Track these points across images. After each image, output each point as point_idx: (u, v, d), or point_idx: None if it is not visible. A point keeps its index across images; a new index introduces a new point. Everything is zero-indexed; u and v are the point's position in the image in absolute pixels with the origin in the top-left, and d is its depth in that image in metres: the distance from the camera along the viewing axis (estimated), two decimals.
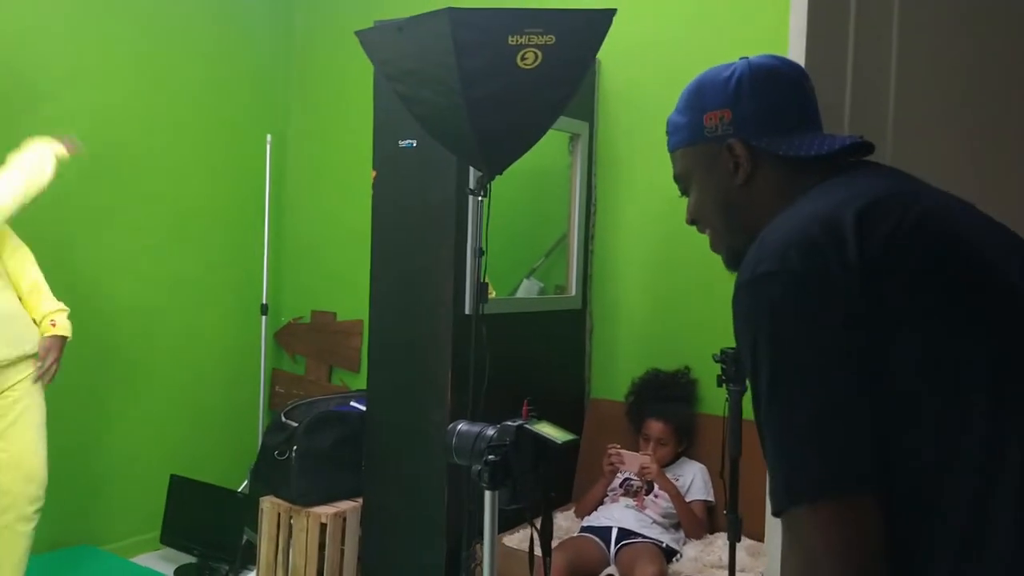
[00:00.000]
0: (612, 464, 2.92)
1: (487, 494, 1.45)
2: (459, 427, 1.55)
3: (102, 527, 3.63)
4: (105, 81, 3.56)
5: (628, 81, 3.34)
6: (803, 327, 0.89)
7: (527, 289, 3.45)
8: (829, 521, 0.86)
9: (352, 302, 4.01)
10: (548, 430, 1.49)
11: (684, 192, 1.19)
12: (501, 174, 2.44)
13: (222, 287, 4.06)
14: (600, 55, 3.38)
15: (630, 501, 2.85)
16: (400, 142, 2.92)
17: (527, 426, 1.49)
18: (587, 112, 3.34)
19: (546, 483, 1.48)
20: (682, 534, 2.83)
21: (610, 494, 2.94)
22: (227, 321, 4.09)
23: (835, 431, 0.87)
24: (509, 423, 1.49)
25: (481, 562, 1.59)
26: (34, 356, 2.79)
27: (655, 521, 2.79)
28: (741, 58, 1.13)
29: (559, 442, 1.46)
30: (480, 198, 2.44)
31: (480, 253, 2.48)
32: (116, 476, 3.68)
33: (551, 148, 3.32)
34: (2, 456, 2.69)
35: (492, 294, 3.09)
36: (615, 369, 3.37)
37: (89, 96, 3.51)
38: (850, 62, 1.39)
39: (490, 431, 1.50)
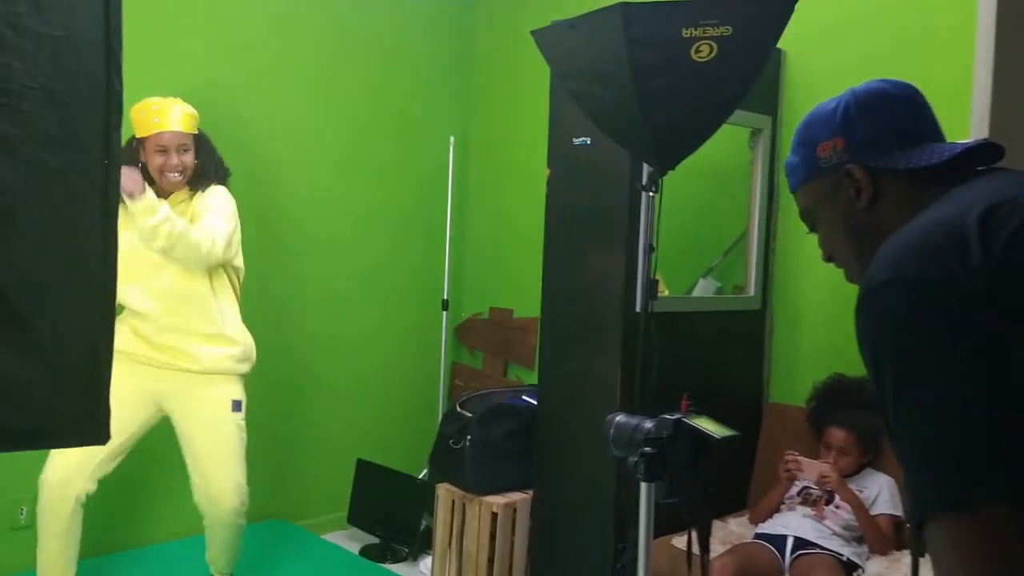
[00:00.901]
0: (789, 471, 2.81)
1: (643, 486, 1.44)
2: (617, 418, 1.55)
3: (296, 505, 3.90)
4: (288, 87, 3.81)
5: (814, 72, 3.20)
6: (930, 337, 0.87)
7: (703, 288, 3.38)
8: (961, 534, 0.83)
9: (528, 300, 4.08)
10: (707, 425, 1.46)
11: (812, 229, 1.20)
12: (673, 169, 2.41)
13: (406, 283, 4.26)
14: (783, 45, 3.27)
15: (808, 510, 2.73)
16: (574, 140, 2.95)
17: (685, 420, 1.47)
18: (770, 106, 3.23)
19: (705, 479, 1.45)
20: (865, 549, 2.67)
21: (787, 502, 2.83)
22: (411, 315, 4.28)
23: (961, 442, 0.84)
24: (667, 416, 1.48)
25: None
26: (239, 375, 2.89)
27: (835, 533, 2.65)
28: (847, 89, 1.14)
29: (717, 437, 1.43)
30: (651, 194, 2.42)
31: (651, 250, 2.45)
32: (309, 458, 3.95)
33: (731, 143, 3.24)
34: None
35: (665, 292, 3.05)
36: (796, 373, 3.23)
37: (275, 101, 3.77)
38: None
39: (648, 424, 1.49)
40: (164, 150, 2.73)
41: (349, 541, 3.81)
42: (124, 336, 2.72)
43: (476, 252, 4.49)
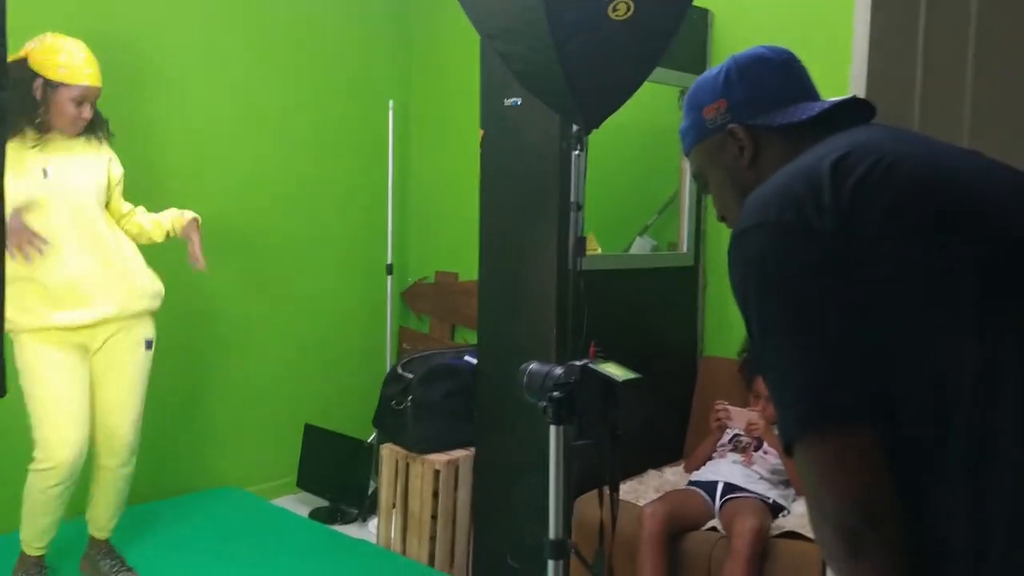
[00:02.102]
0: (720, 420, 2.91)
1: (552, 429, 1.50)
2: (530, 367, 1.61)
3: (245, 471, 3.93)
4: (231, 52, 3.79)
5: (742, 33, 3.25)
6: (785, 272, 0.93)
7: (640, 246, 3.45)
8: (820, 455, 0.88)
9: (473, 263, 4.11)
10: (612, 369, 1.53)
11: (704, 189, 1.27)
12: (598, 128, 2.45)
13: (350, 249, 4.28)
14: (712, 6, 3.33)
15: (738, 457, 2.83)
16: (506, 100, 2.97)
17: (591, 365, 1.53)
18: (699, 66, 3.27)
19: (613, 421, 1.51)
20: (792, 491, 2.78)
21: (719, 450, 2.93)
22: (356, 281, 4.31)
23: (820, 368, 0.90)
24: (575, 363, 1.54)
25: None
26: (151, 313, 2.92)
27: (762, 477, 2.75)
28: (729, 56, 1.22)
29: (620, 380, 1.49)
30: (577, 152, 2.46)
31: (578, 208, 2.50)
32: (257, 425, 3.98)
33: (662, 103, 3.29)
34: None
35: (597, 250, 3.11)
36: (729, 326, 3.32)
37: (215, 66, 3.75)
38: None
39: (558, 370, 1.54)
40: (81, 102, 2.70)
41: (299, 505, 3.86)
42: (41, 316, 2.69)
43: (421, 216, 4.51)
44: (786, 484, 2.79)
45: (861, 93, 1.39)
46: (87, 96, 2.70)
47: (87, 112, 2.72)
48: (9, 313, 2.54)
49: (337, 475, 3.83)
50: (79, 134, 2.78)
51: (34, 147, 2.66)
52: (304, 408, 4.07)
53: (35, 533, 2.76)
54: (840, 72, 1.69)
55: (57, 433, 2.67)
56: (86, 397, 2.77)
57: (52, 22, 2.78)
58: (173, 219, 2.99)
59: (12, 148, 2.59)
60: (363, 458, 3.75)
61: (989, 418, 0.86)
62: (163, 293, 2.93)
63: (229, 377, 3.88)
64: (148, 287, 2.89)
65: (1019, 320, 0.88)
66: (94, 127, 2.82)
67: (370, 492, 3.69)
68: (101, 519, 2.92)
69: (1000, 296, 0.89)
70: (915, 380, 0.88)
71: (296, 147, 4.05)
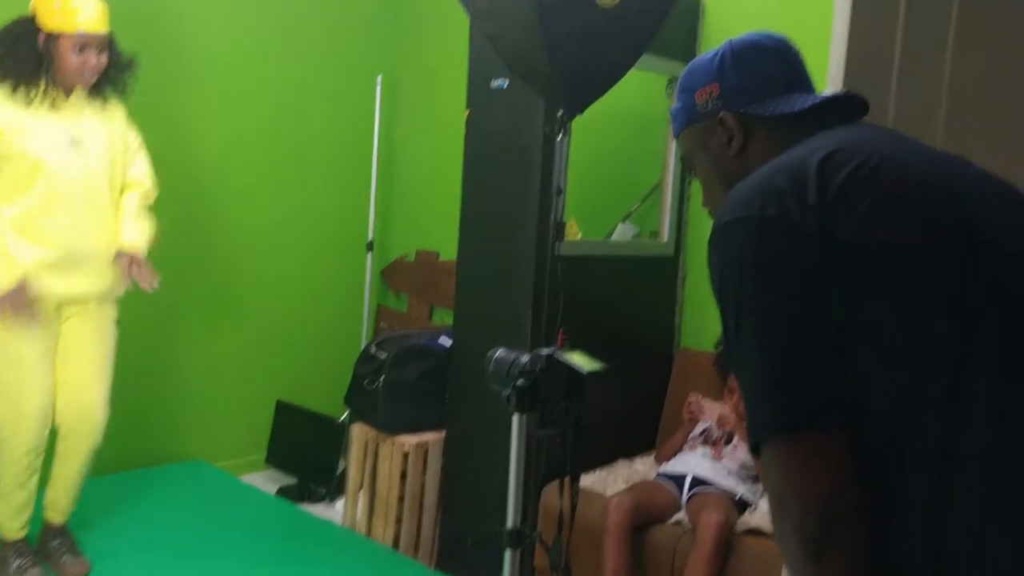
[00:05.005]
0: (692, 413, 2.90)
1: (514, 417, 1.48)
2: (497, 354, 1.58)
3: (214, 446, 3.89)
4: (215, 21, 3.72)
5: (732, 21, 3.21)
6: (764, 270, 0.91)
7: (622, 233, 3.43)
8: (787, 458, 0.87)
9: (455, 242, 4.09)
10: (577, 359, 1.50)
11: (691, 172, 1.28)
12: (582, 113, 2.42)
13: (331, 223, 4.23)
14: None
15: (708, 450, 2.82)
16: (492, 82, 2.93)
17: (557, 354, 1.50)
18: (688, 53, 3.23)
19: (577, 412, 1.49)
20: (760, 487, 2.78)
21: (690, 442, 2.92)
22: (335, 257, 4.25)
23: (791, 370, 0.88)
24: (541, 351, 1.51)
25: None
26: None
27: (731, 472, 2.75)
28: (725, 40, 1.19)
29: (585, 370, 1.47)
30: (559, 137, 2.43)
31: (559, 192, 2.48)
32: (227, 397, 3.93)
33: (651, 91, 3.26)
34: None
35: (578, 235, 3.09)
36: (706, 318, 3.30)
37: (200, 36, 3.68)
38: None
39: (524, 358, 1.52)
40: (84, 48, 2.60)
41: (267, 482, 3.83)
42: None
43: (405, 194, 4.46)
44: (754, 480, 2.78)
45: (837, 82, 1.36)
46: (88, 43, 2.59)
47: (92, 59, 2.61)
48: None
49: (307, 453, 3.81)
50: (98, 93, 2.71)
51: (44, 105, 2.58)
52: (277, 384, 4.03)
53: (11, 512, 2.70)
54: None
55: (27, 402, 2.63)
56: (53, 366, 2.73)
57: None
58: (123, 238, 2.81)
59: (24, 107, 2.57)
60: (334, 437, 3.72)
61: (957, 429, 0.84)
62: None
63: (201, 350, 3.83)
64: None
65: (996, 329, 0.86)
66: (103, 86, 2.72)
67: (340, 471, 3.66)
68: (62, 501, 2.85)
69: (978, 304, 0.87)
70: (887, 386, 0.87)
71: (281, 120, 3.99)
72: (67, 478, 2.82)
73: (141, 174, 2.87)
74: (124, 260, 2.75)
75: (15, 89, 2.56)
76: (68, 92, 2.66)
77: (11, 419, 2.63)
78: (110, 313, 2.84)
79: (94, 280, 2.73)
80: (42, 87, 2.58)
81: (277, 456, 3.89)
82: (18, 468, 2.65)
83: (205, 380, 3.85)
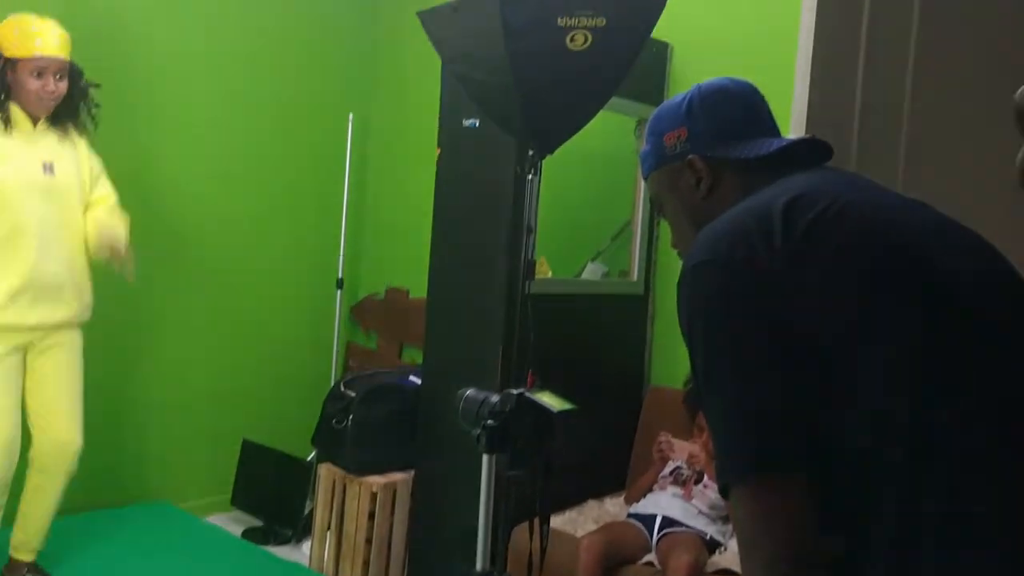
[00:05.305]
0: (662, 451, 2.89)
1: (484, 458, 1.47)
2: (467, 393, 1.58)
3: (178, 486, 3.82)
4: (190, 59, 3.73)
5: (701, 67, 3.27)
6: (732, 313, 0.93)
7: (592, 272, 3.45)
8: (753, 502, 0.88)
9: (425, 280, 4.08)
10: (547, 399, 1.50)
11: (659, 213, 1.28)
12: (552, 154, 2.45)
13: (300, 260, 4.21)
14: (672, 39, 3.35)
15: (678, 490, 2.82)
16: (464, 121, 2.95)
17: (527, 394, 1.50)
18: (656, 97, 3.29)
19: (547, 452, 1.48)
20: (730, 527, 2.77)
21: (660, 482, 2.91)
22: (304, 294, 4.23)
23: (759, 414, 0.89)
24: (511, 391, 1.51)
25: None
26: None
27: (701, 512, 2.74)
28: (693, 85, 1.22)
29: (555, 410, 1.47)
30: (530, 177, 2.45)
31: (529, 231, 2.49)
32: (192, 439, 3.87)
33: (619, 132, 3.30)
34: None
35: (548, 274, 3.10)
36: (676, 356, 3.32)
37: (175, 73, 3.69)
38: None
39: (494, 398, 1.52)
40: (42, 73, 2.63)
41: (232, 524, 3.76)
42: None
43: (376, 231, 4.46)
44: (724, 520, 2.78)
45: (800, 127, 1.40)
46: (46, 67, 2.62)
47: (51, 84, 2.63)
48: None
49: (273, 494, 3.74)
50: (59, 121, 2.72)
51: (12, 133, 2.61)
52: (243, 423, 3.96)
53: None
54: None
55: None
56: (19, 395, 2.71)
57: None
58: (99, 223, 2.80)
59: None
60: (301, 477, 3.66)
61: (920, 468, 0.85)
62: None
63: (164, 388, 3.77)
64: (89, 297, 2.84)
65: (955, 372, 0.88)
66: (65, 115, 2.73)
67: (307, 513, 3.60)
68: (33, 539, 2.80)
69: (938, 345, 0.89)
70: (852, 428, 0.88)
71: (251, 156, 3.98)
72: (42, 511, 2.78)
73: (106, 193, 2.87)
74: (107, 234, 2.74)
75: None
76: (35, 120, 2.68)
77: None
78: (79, 342, 2.83)
79: (64, 309, 2.72)
80: (8, 114, 2.61)
81: (242, 497, 3.82)
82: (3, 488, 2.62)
83: (171, 418, 3.79)
